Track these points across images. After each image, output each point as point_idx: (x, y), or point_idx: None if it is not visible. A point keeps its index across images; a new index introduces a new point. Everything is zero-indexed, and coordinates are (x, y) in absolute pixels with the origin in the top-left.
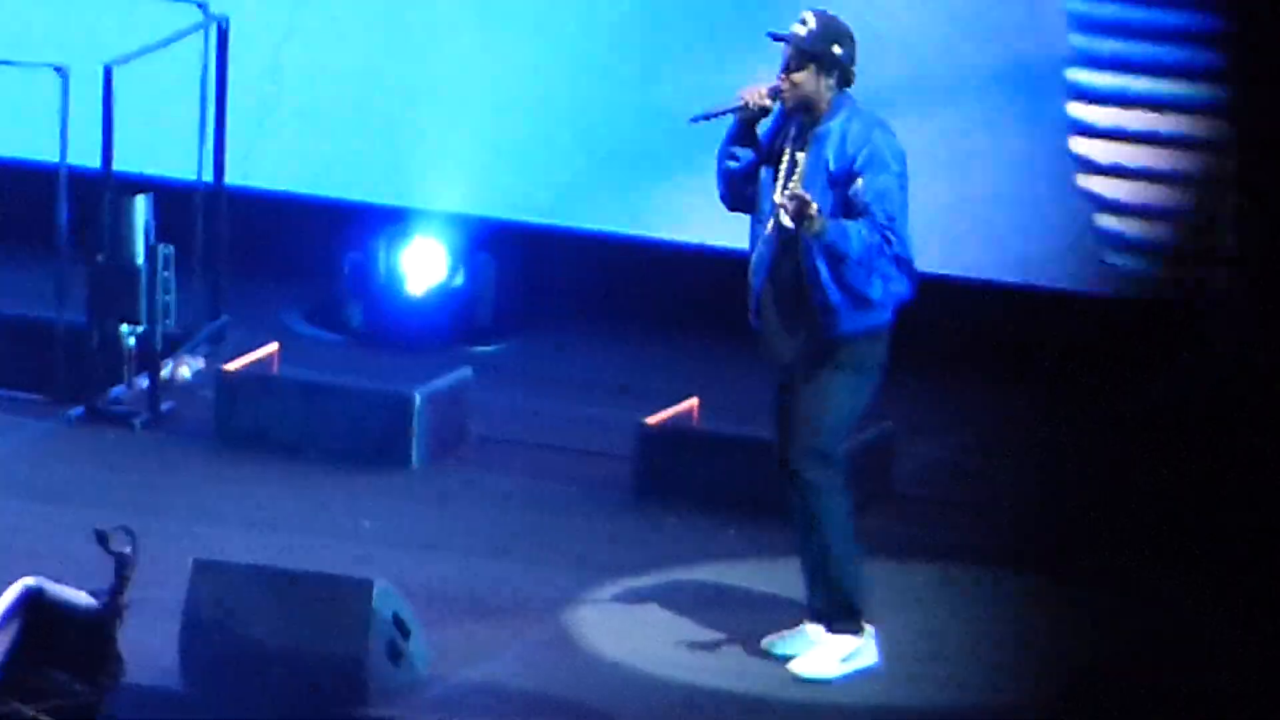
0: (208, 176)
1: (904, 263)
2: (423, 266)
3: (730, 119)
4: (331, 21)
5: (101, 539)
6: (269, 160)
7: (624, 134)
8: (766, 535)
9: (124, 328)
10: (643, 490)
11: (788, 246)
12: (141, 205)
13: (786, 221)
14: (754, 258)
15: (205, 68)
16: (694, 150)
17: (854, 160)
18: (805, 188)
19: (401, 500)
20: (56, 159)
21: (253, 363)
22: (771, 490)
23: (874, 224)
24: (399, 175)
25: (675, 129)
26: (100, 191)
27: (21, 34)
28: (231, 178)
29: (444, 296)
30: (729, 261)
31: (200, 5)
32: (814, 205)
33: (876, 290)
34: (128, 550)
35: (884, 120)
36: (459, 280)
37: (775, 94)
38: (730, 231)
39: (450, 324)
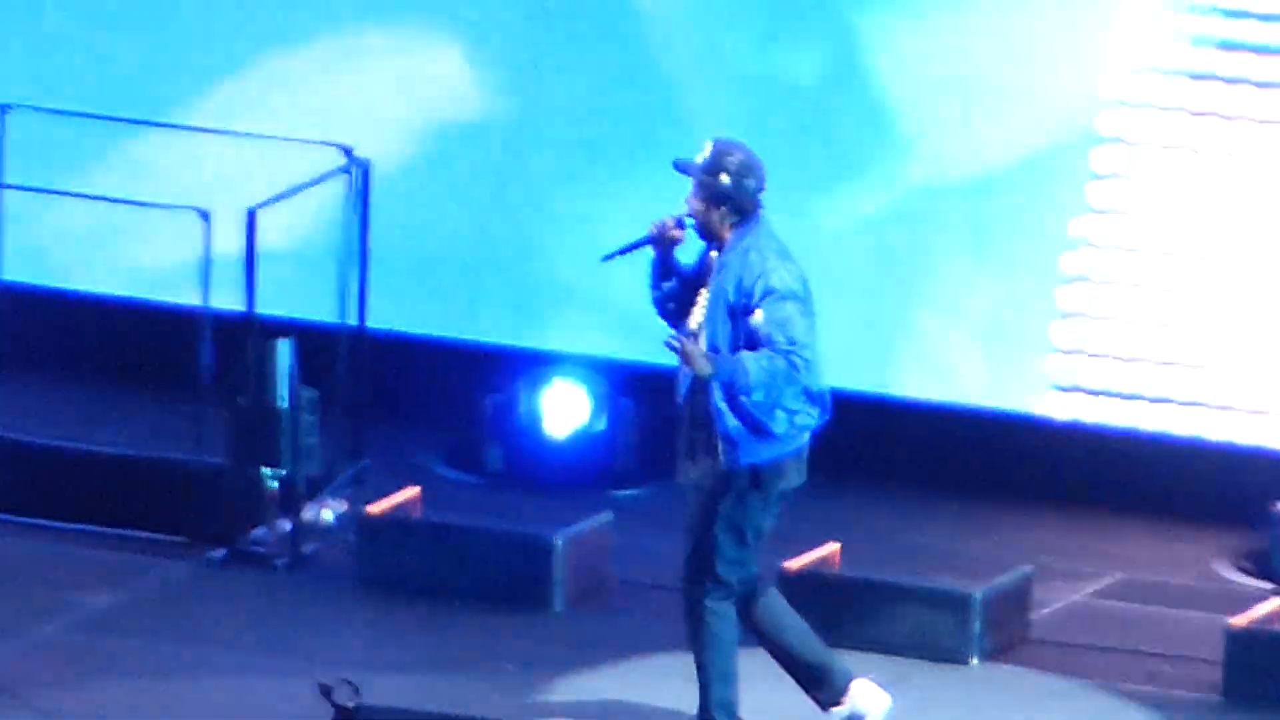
0: (351, 320)
1: (814, 395)
2: (564, 409)
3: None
4: (473, 163)
5: (325, 692)
6: (410, 303)
7: None
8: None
9: (266, 470)
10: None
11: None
12: (284, 349)
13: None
14: (678, 379)
15: (348, 211)
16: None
17: (751, 292)
18: (706, 320)
19: (544, 644)
20: (200, 302)
21: (394, 506)
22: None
23: (774, 351)
24: (539, 318)
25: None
26: (243, 335)
27: (164, 177)
28: (373, 321)
29: (585, 440)
30: (858, 405)
31: (344, 150)
32: (693, 348)
33: (780, 425)
34: (351, 705)
35: (785, 247)
36: (600, 424)
37: (680, 224)
38: (859, 376)
39: (591, 467)
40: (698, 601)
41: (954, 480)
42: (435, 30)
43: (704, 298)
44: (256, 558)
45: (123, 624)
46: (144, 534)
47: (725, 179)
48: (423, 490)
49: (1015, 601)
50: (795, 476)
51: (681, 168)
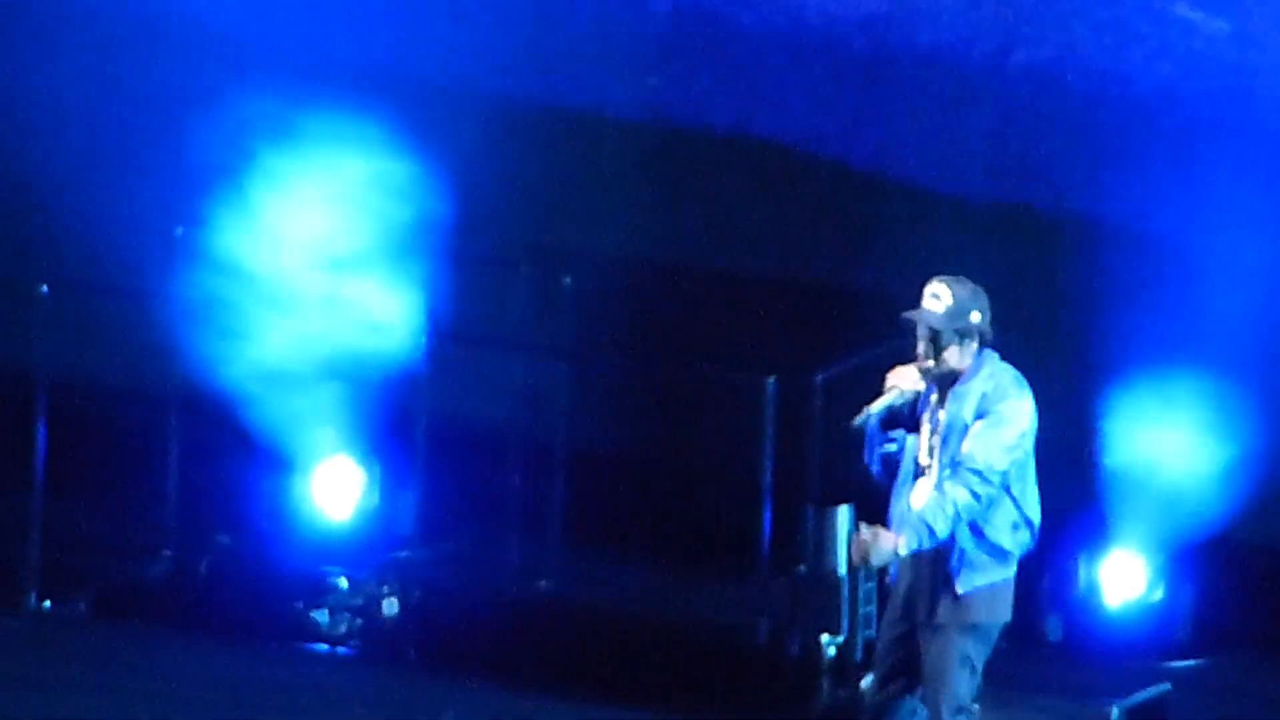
0: None
1: (1027, 521)
2: (1121, 579)
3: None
4: None
5: None
6: None
7: None
8: None
9: (824, 638)
10: None
11: None
12: (844, 516)
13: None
14: (894, 520)
15: None
16: None
17: (985, 412)
18: (942, 446)
19: None
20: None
21: None
22: None
23: (954, 479)
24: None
25: None
26: (802, 502)
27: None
28: None
29: (1142, 610)
30: None
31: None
32: (873, 545)
33: (1004, 538)
34: None
35: (1020, 375)
36: (1158, 594)
37: (925, 374)
38: None
39: (1148, 638)
40: None
41: None
42: None
43: (926, 434)
44: None
45: None
46: (702, 700)
47: (977, 316)
48: None
49: None
50: (1007, 610)
51: (925, 321)
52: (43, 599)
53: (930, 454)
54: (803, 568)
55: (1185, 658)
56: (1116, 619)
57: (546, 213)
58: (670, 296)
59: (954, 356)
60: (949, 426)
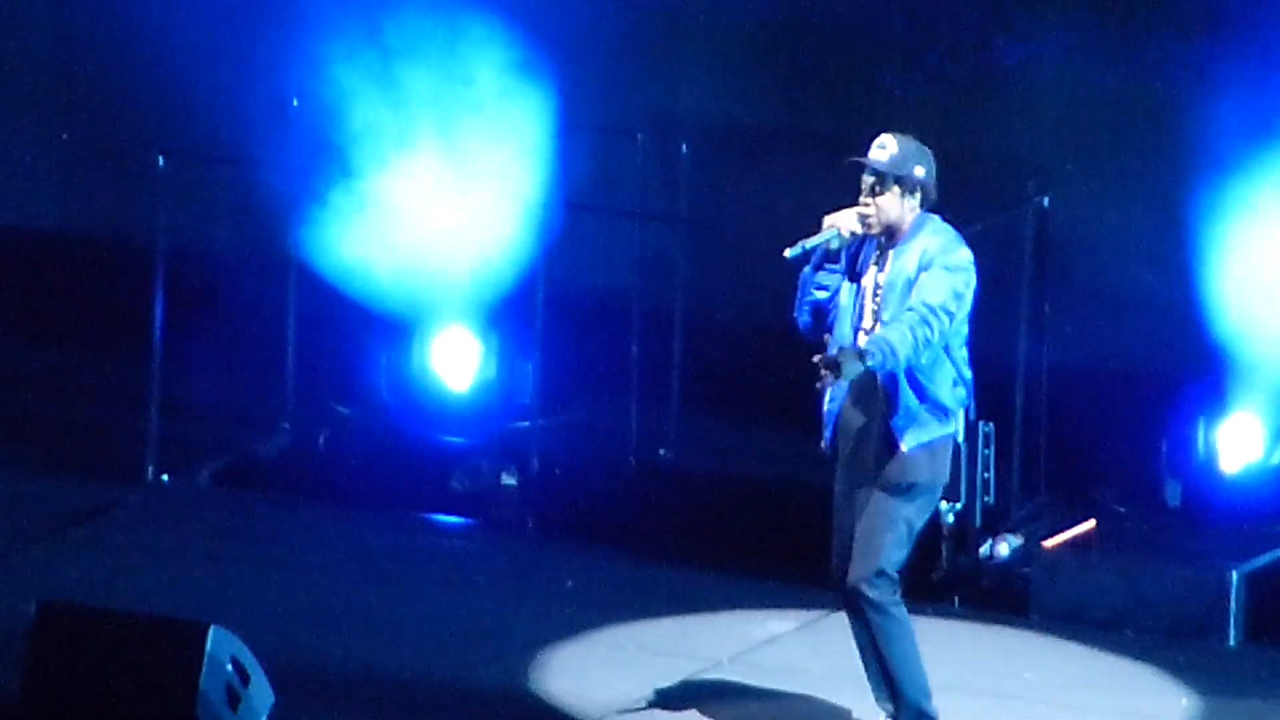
0: (1030, 355)
1: (962, 379)
2: (1239, 443)
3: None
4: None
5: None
6: (1090, 335)
7: None
8: None
9: (943, 505)
10: None
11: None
12: None
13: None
14: (827, 399)
15: (1028, 245)
16: None
17: (929, 264)
18: (884, 303)
19: (1219, 677)
20: None
21: (1070, 540)
22: None
23: (916, 319)
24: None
25: None
26: None
27: None
28: (1050, 355)
29: (1262, 474)
30: None
31: (1028, 197)
32: (837, 360)
33: (946, 395)
34: None
35: (961, 236)
36: (1277, 458)
37: (864, 220)
38: None
39: (1268, 502)
40: (872, 602)
41: None
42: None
43: (870, 290)
44: (934, 591)
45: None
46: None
47: (920, 170)
48: (1099, 524)
49: None
50: (946, 470)
51: (863, 163)
52: (161, 472)
53: (873, 317)
54: None
55: None
56: (1235, 483)
57: (664, 81)
58: (785, 165)
59: (894, 206)
60: (889, 285)
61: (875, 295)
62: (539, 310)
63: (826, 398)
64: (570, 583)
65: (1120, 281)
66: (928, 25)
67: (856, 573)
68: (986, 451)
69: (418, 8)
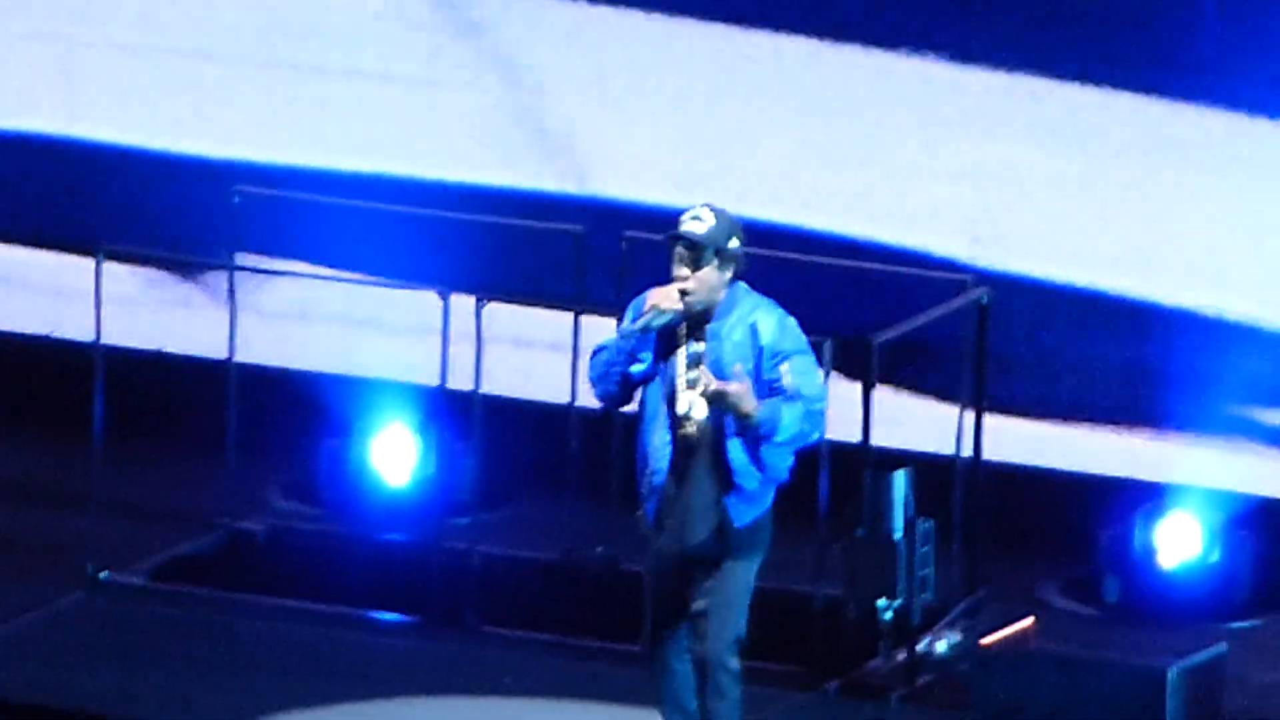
0: (966, 451)
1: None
2: (1178, 541)
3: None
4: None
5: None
6: (1020, 433)
7: None
8: None
9: (881, 601)
10: None
11: (689, 441)
12: (901, 480)
13: (700, 414)
14: (652, 454)
15: (966, 342)
16: None
17: (779, 351)
18: (718, 377)
19: None
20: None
21: (1009, 637)
22: None
23: (808, 410)
24: (1157, 450)
25: None
26: (860, 466)
27: None
28: (989, 451)
29: (1200, 571)
30: None
31: (966, 271)
32: (741, 388)
33: (784, 476)
34: None
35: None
36: (1215, 555)
37: (684, 295)
38: None
39: (1207, 599)
40: (734, 672)
41: None
42: None
43: (681, 362)
44: (872, 689)
45: None
46: (760, 664)
47: (735, 242)
48: (1038, 621)
49: None
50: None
51: (692, 239)
52: (100, 569)
53: (687, 405)
54: (860, 530)
55: (1243, 619)
56: (1173, 580)
57: None
58: None
59: (712, 280)
60: (716, 361)
61: (688, 368)
62: (478, 407)
63: (648, 471)
64: (507, 679)
65: (1054, 377)
66: None
67: (718, 645)
68: (925, 549)
69: None
